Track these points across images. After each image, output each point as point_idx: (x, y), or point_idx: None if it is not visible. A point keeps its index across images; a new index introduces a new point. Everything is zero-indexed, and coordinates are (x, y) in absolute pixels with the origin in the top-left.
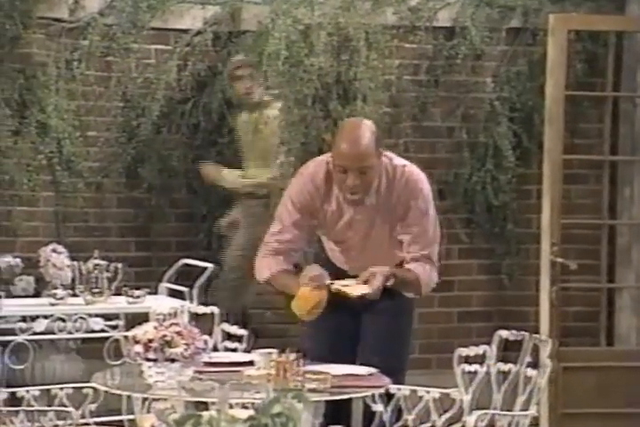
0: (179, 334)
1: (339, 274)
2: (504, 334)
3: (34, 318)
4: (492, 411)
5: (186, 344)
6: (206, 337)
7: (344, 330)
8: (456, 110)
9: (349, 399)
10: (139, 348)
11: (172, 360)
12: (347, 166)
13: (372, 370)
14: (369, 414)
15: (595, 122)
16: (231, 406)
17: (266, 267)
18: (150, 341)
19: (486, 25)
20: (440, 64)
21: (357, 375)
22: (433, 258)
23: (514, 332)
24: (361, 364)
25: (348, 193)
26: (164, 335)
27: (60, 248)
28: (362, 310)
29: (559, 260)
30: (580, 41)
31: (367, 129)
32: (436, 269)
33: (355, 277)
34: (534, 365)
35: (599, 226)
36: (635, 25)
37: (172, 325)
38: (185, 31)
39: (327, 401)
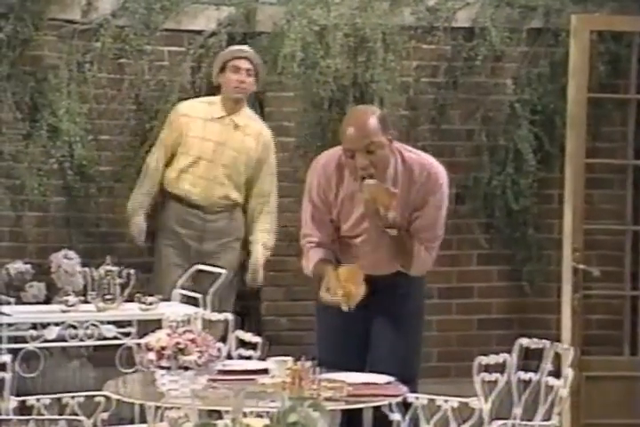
0: (192, 341)
1: None
2: (525, 342)
3: (45, 326)
4: (512, 421)
5: (199, 352)
6: (220, 345)
7: (353, 330)
8: (475, 113)
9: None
10: (152, 355)
11: (186, 368)
12: (353, 148)
13: (390, 378)
14: (386, 424)
15: (618, 125)
16: (245, 415)
17: (305, 263)
18: (163, 348)
19: (506, 25)
20: (459, 65)
21: (374, 384)
22: (432, 252)
23: (535, 340)
24: (374, 371)
25: (360, 178)
26: (178, 343)
27: (72, 254)
28: (373, 312)
29: (581, 266)
30: (603, 42)
31: (372, 113)
32: (431, 260)
33: (367, 278)
34: (556, 374)
35: (622, 232)
36: None
37: (185, 332)
38: (199, 32)
39: (343, 410)
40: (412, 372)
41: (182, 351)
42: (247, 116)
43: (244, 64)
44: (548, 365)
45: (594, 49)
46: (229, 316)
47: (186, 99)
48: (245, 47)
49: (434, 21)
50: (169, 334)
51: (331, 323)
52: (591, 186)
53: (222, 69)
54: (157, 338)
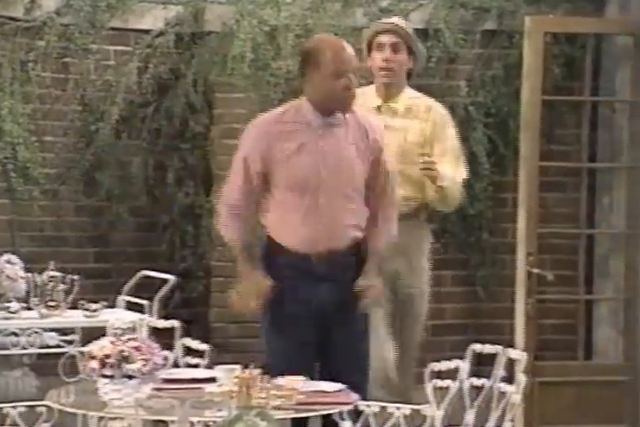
0: (137, 349)
1: (285, 256)
2: (477, 347)
3: None
4: None
5: (144, 360)
6: (166, 353)
7: (308, 343)
8: None
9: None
10: (95, 364)
11: (130, 377)
12: (346, 68)
13: (341, 386)
14: None
15: (572, 127)
16: (192, 425)
17: (224, 230)
18: (107, 356)
19: (460, 27)
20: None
21: (325, 392)
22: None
23: (487, 345)
24: (332, 380)
25: (347, 97)
26: (122, 351)
27: (15, 259)
28: (331, 323)
29: (535, 270)
30: (558, 44)
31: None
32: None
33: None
34: (509, 380)
35: (577, 235)
36: (614, 27)
37: (129, 340)
38: (146, 32)
39: (293, 419)
40: (366, 378)
41: (126, 360)
42: (408, 98)
43: (389, 38)
44: (500, 370)
45: (548, 51)
46: (176, 323)
47: (132, 100)
48: (392, 19)
49: None
50: (113, 342)
51: (285, 334)
52: (545, 189)
53: (369, 50)
54: (101, 346)
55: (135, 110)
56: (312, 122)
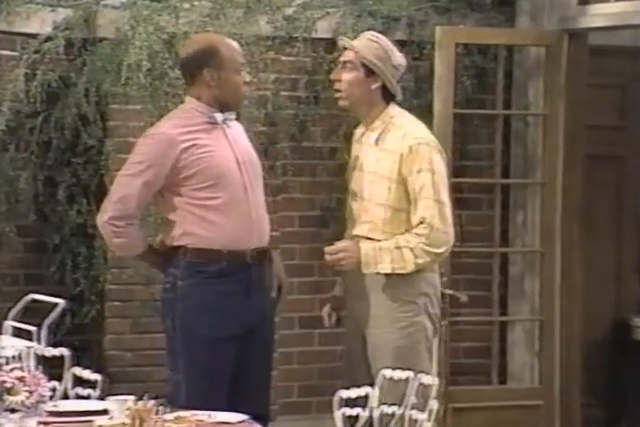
0: (20, 379)
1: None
2: (387, 373)
3: None
4: None
5: (28, 392)
6: (54, 383)
7: (225, 371)
8: (338, 130)
9: None
10: None
11: (13, 410)
12: (241, 62)
13: (243, 417)
14: None
15: (485, 142)
16: None
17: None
18: None
19: None
20: (320, 79)
21: (227, 423)
22: None
23: (398, 371)
24: (244, 409)
25: (244, 91)
26: (4, 382)
27: None
28: (249, 346)
29: (449, 291)
30: (469, 55)
31: None
32: None
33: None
34: (422, 406)
35: (490, 254)
36: (526, 38)
37: (13, 369)
38: (33, 36)
39: None
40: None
41: (9, 391)
42: (370, 115)
43: (344, 56)
44: (412, 397)
45: (459, 62)
46: (65, 351)
47: (19, 110)
48: (366, 33)
49: (292, 31)
50: None
51: (201, 362)
52: (459, 206)
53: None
54: None
55: (23, 121)
56: (217, 118)
